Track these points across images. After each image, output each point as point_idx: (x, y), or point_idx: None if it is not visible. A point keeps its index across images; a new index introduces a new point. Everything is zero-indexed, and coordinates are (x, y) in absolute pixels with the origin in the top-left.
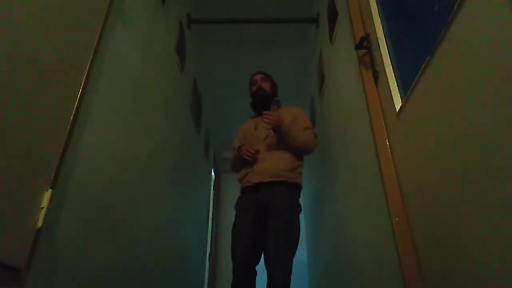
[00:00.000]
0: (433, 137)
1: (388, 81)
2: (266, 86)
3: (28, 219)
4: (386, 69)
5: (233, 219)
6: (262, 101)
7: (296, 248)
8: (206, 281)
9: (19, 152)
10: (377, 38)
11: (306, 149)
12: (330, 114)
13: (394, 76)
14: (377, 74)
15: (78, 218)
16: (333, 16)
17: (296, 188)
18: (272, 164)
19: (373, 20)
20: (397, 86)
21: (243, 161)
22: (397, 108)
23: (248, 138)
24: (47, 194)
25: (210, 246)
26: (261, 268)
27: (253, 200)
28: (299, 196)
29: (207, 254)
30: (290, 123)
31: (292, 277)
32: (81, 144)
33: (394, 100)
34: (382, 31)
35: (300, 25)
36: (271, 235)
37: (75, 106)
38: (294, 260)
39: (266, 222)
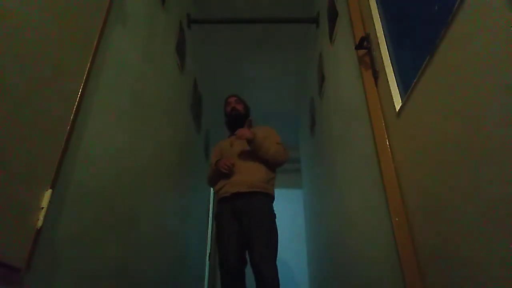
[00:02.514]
0: (433, 137)
1: (388, 81)
2: (240, 107)
3: (28, 219)
4: (386, 69)
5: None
6: (236, 121)
7: (277, 249)
8: (206, 281)
9: (19, 152)
10: (377, 38)
11: (277, 160)
12: (330, 114)
13: (394, 76)
14: (377, 74)
15: (78, 218)
16: (333, 16)
17: (270, 198)
18: (249, 176)
19: (373, 20)
20: (397, 86)
21: (220, 174)
22: (397, 108)
23: (225, 154)
24: (47, 194)
25: (210, 246)
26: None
27: (233, 210)
28: (272, 205)
29: (207, 254)
30: (262, 137)
31: (292, 278)
32: (81, 144)
33: (394, 100)
34: (382, 31)
35: (300, 25)
36: (257, 241)
37: (75, 106)
38: (295, 260)
39: (246, 228)
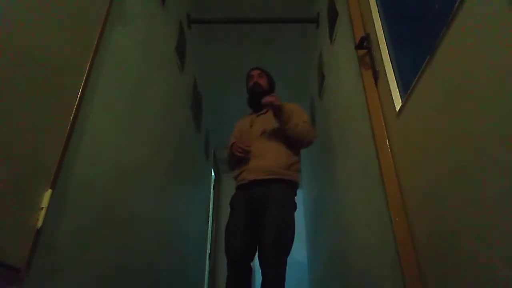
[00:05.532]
0: (433, 137)
1: (388, 81)
2: (263, 82)
3: (28, 219)
4: (386, 69)
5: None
6: (258, 97)
7: (291, 247)
8: (206, 281)
9: (19, 152)
10: (377, 38)
11: (305, 139)
12: (330, 114)
13: (394, 76)
14: (377, 74)
15: (78, 218)
16: (333, 16)
17: (292, 185)
18: (268, 162)
19: (373, 20)
20: (397, 86)
21: (237, 159)
22: (397, 108)
23: (243, 136)
24: (47, 194)
25: (210, 246)
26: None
27: (248, 198)
28: (295, 194)
29: (207, 254)
30: (290, 111)
31: (292, 277)
32: (81, 144)
33: (394, 100)
34: (382, 31)
35: (300, 25)
36: (267, 234)
37: (75, 106)
38: (294, 260)
39: (259, 219)
